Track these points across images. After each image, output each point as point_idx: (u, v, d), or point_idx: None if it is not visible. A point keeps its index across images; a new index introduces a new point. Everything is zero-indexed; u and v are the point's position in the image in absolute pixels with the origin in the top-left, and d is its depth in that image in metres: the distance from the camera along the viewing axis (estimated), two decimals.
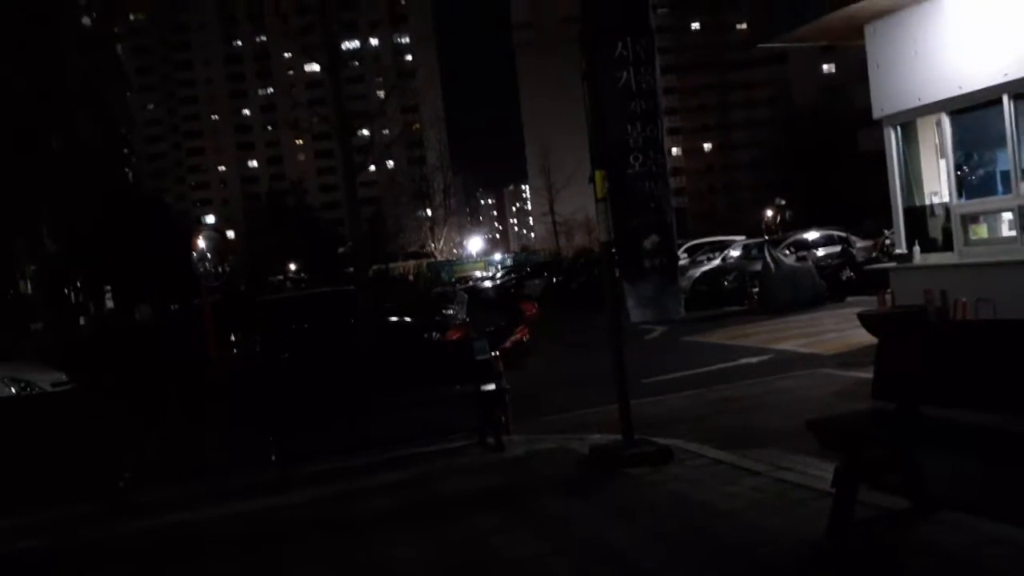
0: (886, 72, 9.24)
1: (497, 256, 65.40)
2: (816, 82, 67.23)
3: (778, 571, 3.58)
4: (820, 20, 9.17)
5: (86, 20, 38.24)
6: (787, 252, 18.67)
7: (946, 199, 9.02)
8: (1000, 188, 8.52)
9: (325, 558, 4.53)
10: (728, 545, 3.95)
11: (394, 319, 13.37)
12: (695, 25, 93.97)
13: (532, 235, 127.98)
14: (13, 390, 8.72)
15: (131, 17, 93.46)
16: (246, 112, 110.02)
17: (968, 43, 8.24)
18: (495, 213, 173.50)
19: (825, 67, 76.72)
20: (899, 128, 9.39)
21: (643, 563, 3.86)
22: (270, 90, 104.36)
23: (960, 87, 8.31)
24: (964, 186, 8.84)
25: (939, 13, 8.53)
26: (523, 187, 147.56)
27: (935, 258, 9.02)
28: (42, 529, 5.67)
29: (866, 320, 9.23)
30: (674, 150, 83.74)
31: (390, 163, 75.81)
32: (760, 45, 12.45)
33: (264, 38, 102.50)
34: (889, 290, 9.53)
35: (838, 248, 19.12)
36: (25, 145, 20.89)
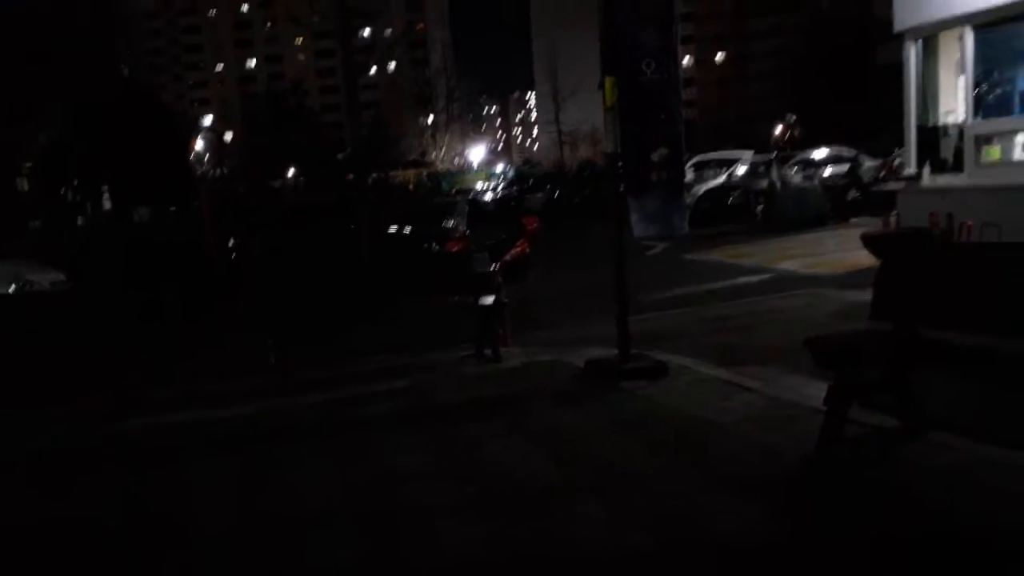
0: None
1: (499, 167, 64.55)
2: None
3: (767, 483, 3.66)
4: None
5: None
6: (794, 170, 18.40)
7: (961, 119, 8.79)
8: (1018, 108, 8.29)
9: (327, 455, 4.65)
10: (718, 457, 4.03)
11: (393, 229, 13.28)
12: None
13: (535, 146, 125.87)
14: (13, 287, 8.75)
15: None
16: (244, 8, 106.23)
17: None
18: (499, 121, 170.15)
19: None
20: (920, 42, 9.05)
21: (634, 472, 3.95)
22: None
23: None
24: (981, 105, 8.60)
25: None
26: (528, 95, 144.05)
27: (944, 180, 8.87)
28: (47, 425, 5.79)
29: (869, 241, 9.15)
30: (686, 59, 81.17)
31: (392, 65, 73.67)
32: None
33: None
34: (895, 211, 9.42)
35: (846, 167, 18.80)
36: (18, 35, 20.22)
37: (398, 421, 5.23)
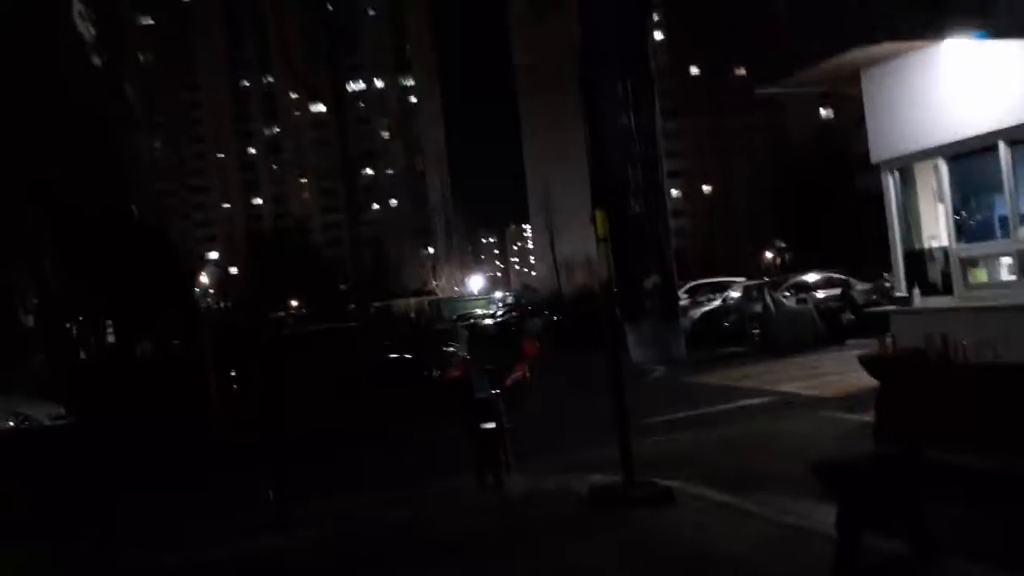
0: (883, 118, 9.37)
1: (498, 294, 65.50)
2: (814, 127, 68.09)
3: None
4: (817, 66, 9.34)
5: (95, 60, 38.90)
6: (787, 294, 18.72)
7: (945, 243, 9.08)
8: (999, 232, 8.57)
9: None
10: None
11: (394, 356, 13.36)
12: (694, 70, 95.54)
13: (533, 273, 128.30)
14: (12, 423, 8.70)
15: (140, 58, 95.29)
16: (252, 151, 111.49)
17: (964, 90, 8.37)
18: (496, 251, 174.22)
19: (823, 112, 77.81)
20: (897, 172, 9.49)
21: None
22: (276, 129, 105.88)
23: (956, 133, 8.42)
24: (963, 230, 8.90)
25: (935, 60, 8.67)
26: (524, 226, 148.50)
27: (935, 301, 9.03)
28: (31, 562, 5.60)
29: (867, 363, 9.20)
30: (674, 192, 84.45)
31: (393, 201, 76.46)
32: (759, 91, 12.65)
33: (271, 79, 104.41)
34: (890, 333, 9.53)
35: (838, 291, 19.16)
36: (27, 176, 21.04)
37: (401, 557, 5.08)
